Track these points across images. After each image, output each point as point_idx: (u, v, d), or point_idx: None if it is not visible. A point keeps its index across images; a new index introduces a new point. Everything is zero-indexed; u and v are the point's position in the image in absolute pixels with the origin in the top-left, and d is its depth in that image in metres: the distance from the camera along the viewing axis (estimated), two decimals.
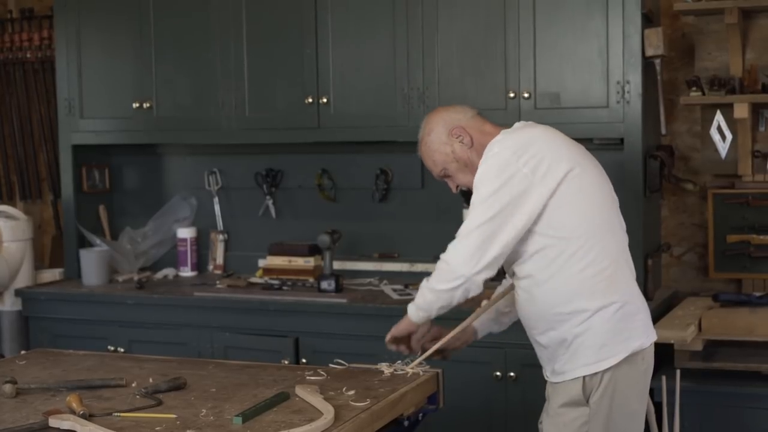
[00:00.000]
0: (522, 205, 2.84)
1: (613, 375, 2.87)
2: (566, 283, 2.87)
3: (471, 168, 3.00)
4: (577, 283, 2.86)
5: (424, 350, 3.14)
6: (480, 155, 2.96)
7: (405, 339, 3.13)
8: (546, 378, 3.04)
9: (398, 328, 3.10)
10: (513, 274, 3.00)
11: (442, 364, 3.16)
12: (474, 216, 2.86)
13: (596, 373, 2.86)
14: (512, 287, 3.10)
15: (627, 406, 2.91)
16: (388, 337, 3.12)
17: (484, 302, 3.23)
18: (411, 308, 3.05)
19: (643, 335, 2.93)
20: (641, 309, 2.96)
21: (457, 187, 3.11)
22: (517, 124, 3.06)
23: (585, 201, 2.90)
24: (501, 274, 3.14)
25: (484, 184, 2.88)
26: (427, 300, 2.98)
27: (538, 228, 2.86)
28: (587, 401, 2.88)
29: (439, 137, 3.04)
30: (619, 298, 2.88)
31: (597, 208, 2.93)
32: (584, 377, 2.87)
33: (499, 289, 3.26)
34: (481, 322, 3.26)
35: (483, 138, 3.00)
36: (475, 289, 2.89)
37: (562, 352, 2.91)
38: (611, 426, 2.89)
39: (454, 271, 2.87)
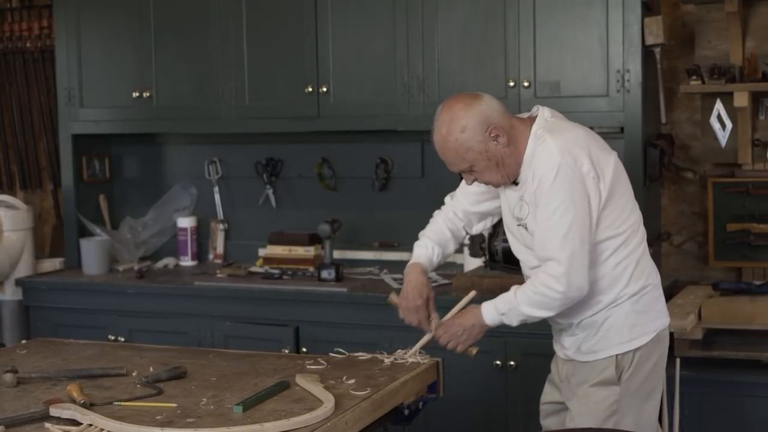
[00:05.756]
0: (591, 210, 2.87)
1: (643, 354, 2.97)
2: (609, 273, 2.95)
3: (500, 167, 2.94)
4: (619, 272, 2.95)
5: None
6: (512, 155, 2.92)
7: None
8: (566, 357, 3.07)
9: (467, 327, 3.04)
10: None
11: (442, 353, 3.16)
12: (564, 239, 2.83)
13: (628, 352, 2.95)
14: None
15: (651, 385, 3.01)
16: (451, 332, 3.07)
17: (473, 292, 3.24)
18: (492, 316, 2.99)
19: (665, 315, 3.07)
20: (661, 291, 3.09)
21: (474, 180, 3.03)
22: (540, 114, 2.99)
23: (628, 194, 2.98)
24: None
25: (557, 202, 2.83)
26: (520, 319, 2.95)
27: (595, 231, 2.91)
28: (619, 380, 2.96)
29: (474, 135, 2.89)
30: (650, 281, 3.00)
31: (633, 200, 3.01)
32: (617, 356, 2.96)
33: None
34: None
35: (514, 134, 2.94)
36: None
37: (593, 333, 2.98)
38: (638, 404, 2.98)
39: (567, 300, 2.88)
